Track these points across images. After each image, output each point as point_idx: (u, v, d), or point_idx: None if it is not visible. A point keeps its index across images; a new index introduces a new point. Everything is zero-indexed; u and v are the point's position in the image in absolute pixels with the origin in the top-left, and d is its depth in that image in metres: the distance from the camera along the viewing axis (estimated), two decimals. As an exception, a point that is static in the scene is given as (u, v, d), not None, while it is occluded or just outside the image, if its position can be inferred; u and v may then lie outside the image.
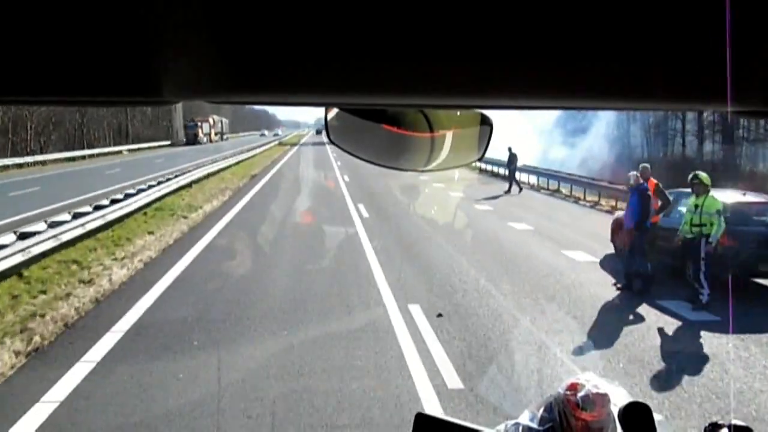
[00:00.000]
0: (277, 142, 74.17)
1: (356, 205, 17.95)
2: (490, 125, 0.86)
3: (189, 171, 25.71)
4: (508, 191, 22.55)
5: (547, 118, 45.34)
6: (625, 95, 0.48)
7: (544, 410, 1.44)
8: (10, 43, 0.43)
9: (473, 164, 32.35)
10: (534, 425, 1.42)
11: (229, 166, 33.45)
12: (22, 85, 0.46)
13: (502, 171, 29.52)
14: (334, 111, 0.81)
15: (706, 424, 1.35)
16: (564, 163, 33.10)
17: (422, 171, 0.87)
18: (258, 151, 49.16)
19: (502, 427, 1.47)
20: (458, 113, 0.84)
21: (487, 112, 0.85)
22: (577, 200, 21.04)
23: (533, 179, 26.74)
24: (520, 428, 1.44)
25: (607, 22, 0.43)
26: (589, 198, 20.79)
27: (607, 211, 18.46)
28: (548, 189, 24.16)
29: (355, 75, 0.45)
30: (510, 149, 23.70)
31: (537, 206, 19.19)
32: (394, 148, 0.81)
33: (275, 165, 37.27)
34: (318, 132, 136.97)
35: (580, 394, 1.38)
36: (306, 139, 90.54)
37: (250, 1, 0.43)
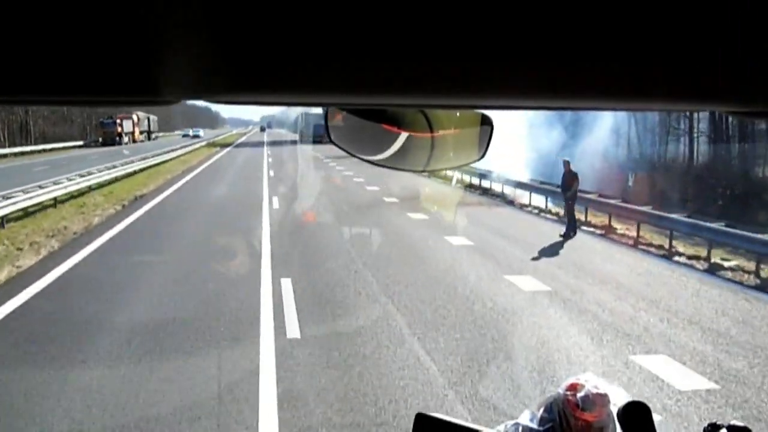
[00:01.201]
0: (204, 143, 63.34)
1: (279, 287, 8.79)
2: (491, 125, 0.84)
3: (33, 191, 16.18)
4: (570, 235, 13.61)
5: (531, 116, 36.63)
6: (625, 95, 0.47)
7: (544, 410, 1.41)
8: (8, 42, 0.42)
9: (456, 183, 19.61)
10: (534, 425, 1.40)
11: (116, 180, 23.84)
12: (21, 84, 0.44)
13: (498, 188, 20.85)
14: (334, 111, 0.81)
15: (705, 425, 1.30)
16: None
17: (422, 171, 0.85)
18: (176, 154, 39.37)
19: (501, 427, 1.44)
20: (458, 113, 0.83)
21: (487, 112, 0.83)
22: (668, 254, 12.24)
23: (536, 199, 18.31)
24: (520, 428, 1.41)
25: (606, 22, 0.43)
26: (686, 249, 12.17)
27: None
28: (588, 223, 15.40)
29: (355, 75, 0.45)
30: (567, 163, 14.74)
31: (626, 278, 10.31)
32: (394, 148, 0.80)
33: (186, 175, 27.70)
34: (262, 129, 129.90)
35: (579, 395, 1.36)
36: (245, 139, 79.92)
37: (249, 1, 0.42)
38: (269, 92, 0.46)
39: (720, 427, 1.29)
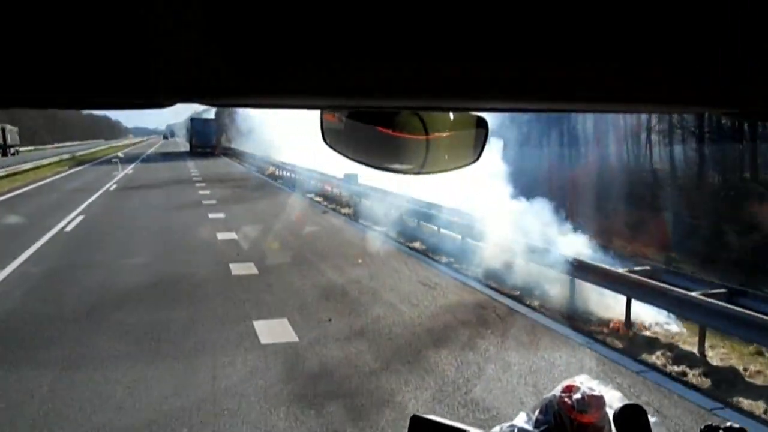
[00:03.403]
0: (53, 159, 48.38)
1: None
2: (486, 128, 0.84)
3: None
4: None
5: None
6: (625, 96, 0.47)
7: (540, 412, 1.39)
8: (3, 42, 0.41)
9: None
10: (529, 427, 1.38)
11: None
12: (16, 86, 0.43)
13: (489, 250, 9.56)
14: (329, 113, 0.80)
15: (702, 427, 1.29)
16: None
17: (417, 174, 0.84)
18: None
19: (497, 429, 1.41)
20: (452, 116, 0.82)
21: (484, 114, 0.82)
22: None
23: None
24: (516, 430, 1.39)
25: (606, 22, 0.43)
26: None
27: None
28: None
29: (354, 77, 0.44)
30: None
31: None
32: (389, 151, 0.79)
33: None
34: (165, 137, 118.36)
35: (575, 396, 1.34)
36: (126, 152, 65.03)
37: (248, 2, 0.42)
38: (266, 95, 0.46)
39: (717, 428, 1.29)
